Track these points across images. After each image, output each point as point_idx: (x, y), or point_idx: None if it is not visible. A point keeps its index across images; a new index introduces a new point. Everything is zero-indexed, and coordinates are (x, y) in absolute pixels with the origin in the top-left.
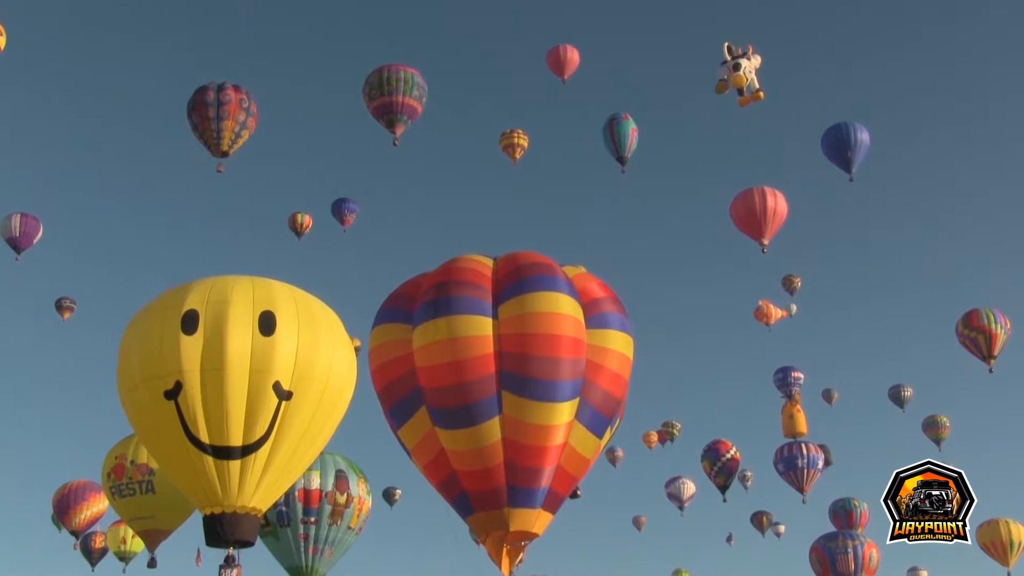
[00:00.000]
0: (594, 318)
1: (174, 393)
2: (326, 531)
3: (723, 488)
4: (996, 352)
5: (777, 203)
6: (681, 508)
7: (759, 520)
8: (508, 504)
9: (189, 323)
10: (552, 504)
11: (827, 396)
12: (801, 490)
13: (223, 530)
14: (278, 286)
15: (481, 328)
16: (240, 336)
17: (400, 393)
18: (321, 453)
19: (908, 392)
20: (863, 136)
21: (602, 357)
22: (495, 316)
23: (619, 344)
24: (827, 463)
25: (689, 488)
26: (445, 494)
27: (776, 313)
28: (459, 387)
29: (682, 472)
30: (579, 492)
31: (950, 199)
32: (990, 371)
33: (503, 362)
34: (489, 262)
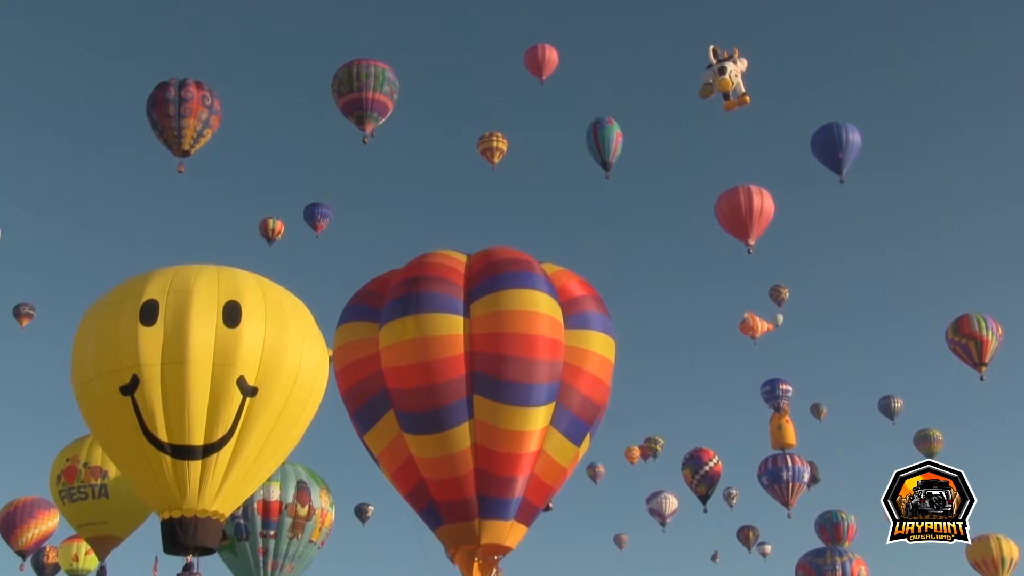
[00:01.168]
0: (573, 318)
1: (131, 388)
2: (286, 545)
3: (704, 498)
4: (987, 359)
5: (763, 202)
6: (663, 524)
7: (745, 535)
8: (479, 515)
9: (148, 313)
10: (526, 516)
11: (816, 411)
12: (786, 504)
13: (182, 535)
14: (244, 275)
15: (452, 327)
16: (202, 327)
17: (366, 396)
18: (282, 463)
19: (898, 404)
20: (854, 136)
21: (581, 359)
22: (467, 314)
23: (600, 346)
24: (814, 480)
25: (671, 503)
26: (413, 504)
27: (762, 326)
28: (428, 390)
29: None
30: (551, 505)
31: (943, 203)
32: (981, 379)
33: (475, 363)
34: (462, 257)
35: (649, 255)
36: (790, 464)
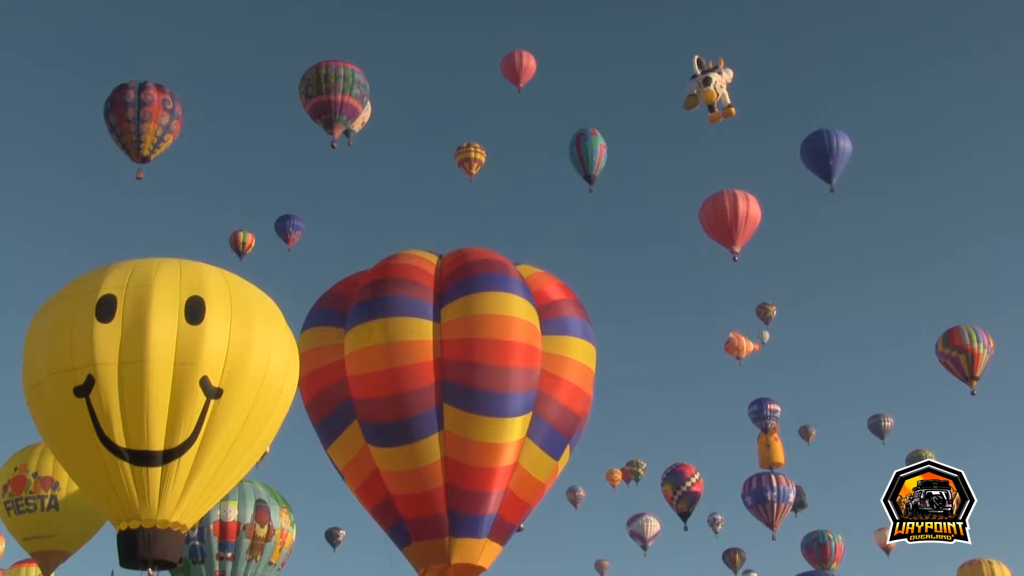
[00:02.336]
0: (551, 323)
1: (86, 389)
2: (244, 567)
3: (685, 515)
4: (978, 373)
5: (749, 207)
6: (645, 548)
7: (731, 558)
8: (450, 533)
9: (105, 309)
10: (500, 534)
11: (804, 433)
12: (771, 525)
13: (141, 548)
14: (209, 269)
15: (421, 332)
16: (163, 324)
17: (330, 406)
18: (246, 473)
19: (888, 422)
20: (845, 144)
21: (559, 367)
22: (437, 319)
23: (579, 353)
24: (801, 505)
25: (653, 526)
26: (380, 521)
27: (748, 346)
28: (395, 399)
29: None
30: (521, 526)
31: (936, 215)
32: (972, 393)
33: (445, 371)
34: (433, 259)
35: (632, 272)
36: (775, 484)
